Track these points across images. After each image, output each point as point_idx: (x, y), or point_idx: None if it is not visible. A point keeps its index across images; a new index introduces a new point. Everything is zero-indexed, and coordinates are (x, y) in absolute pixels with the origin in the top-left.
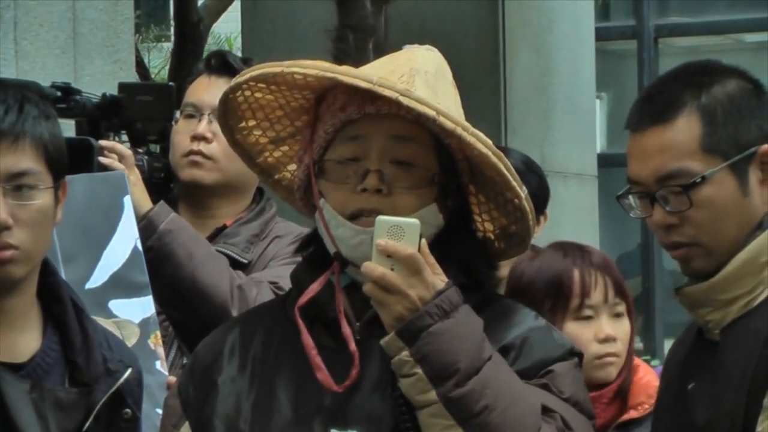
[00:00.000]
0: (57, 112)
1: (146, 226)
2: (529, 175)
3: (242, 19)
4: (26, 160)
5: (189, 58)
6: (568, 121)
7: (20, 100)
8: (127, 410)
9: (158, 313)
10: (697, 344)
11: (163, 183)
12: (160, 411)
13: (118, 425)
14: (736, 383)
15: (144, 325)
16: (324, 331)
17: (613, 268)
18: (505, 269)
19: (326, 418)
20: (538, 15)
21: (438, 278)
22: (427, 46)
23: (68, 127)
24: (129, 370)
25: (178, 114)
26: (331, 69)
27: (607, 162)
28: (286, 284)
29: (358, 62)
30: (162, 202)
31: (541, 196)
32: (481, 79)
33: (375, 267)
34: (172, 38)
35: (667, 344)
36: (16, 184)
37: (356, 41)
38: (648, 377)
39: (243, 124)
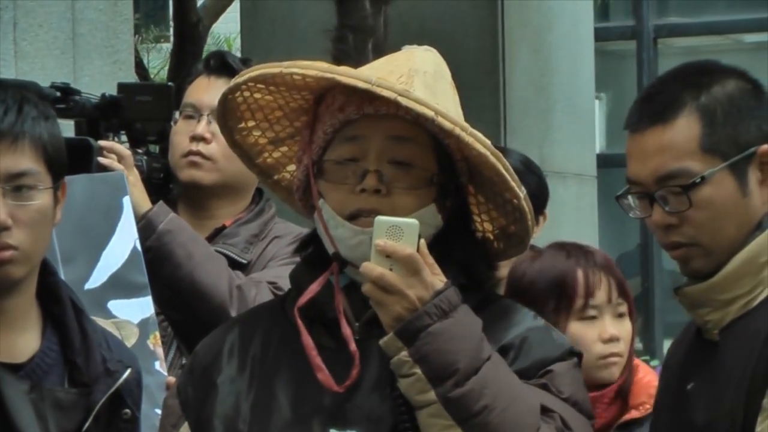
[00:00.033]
0: (56, 113)
1: (145, 226)
2: (528, 176)
3: (241, 20)
4: (25, 161)
5: (188, 58)
6: (567, 122)
7: (19, 101)
8: (127, 410)
9: (157, 314)
10: (696, 344)
11: (162, 183)
12: (159, 411)
13: (117, 425)
14: (735, 383)
15: (143, 325)
16: (323, 331)
17: (615, 268)
18: (504, 269)
19: (325, 419)
20: (538, 15)
21: (437, 278)
22: (426, 47)
23: (67, 128)
24: (128, 371)
25: (177, 114)
26: (330, 69)
27: (606, 162)
28: (285, 284)
29: (357, 63)
30: (161, 202)
31: (540, 197)
32: (481, 79)
33: (374, 267)
34: (172, 39)
35: (667, 344)
36: (16, 185)
37: (356, 42)
38: (648, 377)
39: (242, 124)
